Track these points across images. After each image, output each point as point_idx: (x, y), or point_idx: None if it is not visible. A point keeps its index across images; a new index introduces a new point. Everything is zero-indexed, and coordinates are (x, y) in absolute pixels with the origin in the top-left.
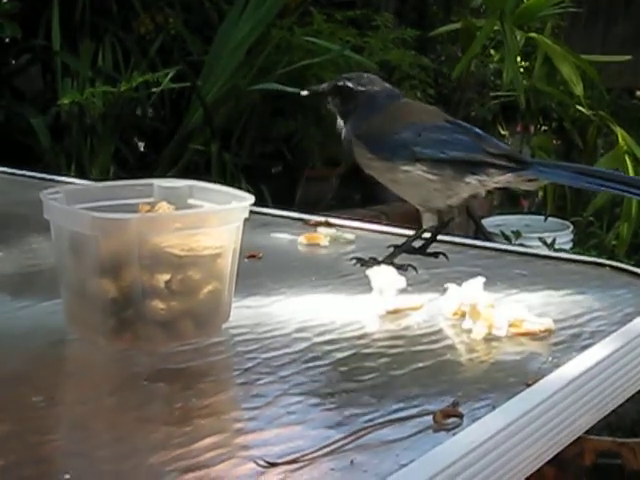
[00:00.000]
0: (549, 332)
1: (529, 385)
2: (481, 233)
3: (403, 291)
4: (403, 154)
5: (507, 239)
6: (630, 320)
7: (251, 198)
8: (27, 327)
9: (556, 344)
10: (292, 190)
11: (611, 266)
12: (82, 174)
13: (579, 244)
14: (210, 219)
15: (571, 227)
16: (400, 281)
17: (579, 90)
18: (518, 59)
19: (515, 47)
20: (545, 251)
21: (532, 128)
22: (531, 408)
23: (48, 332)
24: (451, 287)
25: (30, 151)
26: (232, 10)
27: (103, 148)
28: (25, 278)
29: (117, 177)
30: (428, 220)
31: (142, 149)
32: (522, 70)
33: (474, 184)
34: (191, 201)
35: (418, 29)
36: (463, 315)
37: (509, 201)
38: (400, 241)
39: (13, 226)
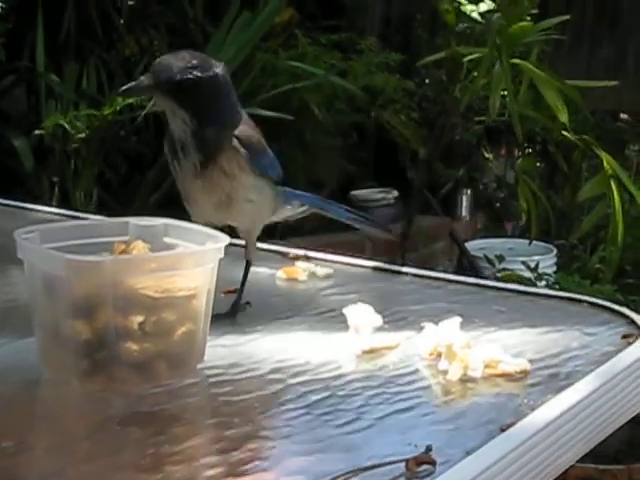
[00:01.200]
0: (525, 373)
1: (504, 430)
2: (465, 257)
3: (380, 329)
4: (273, 173)
5: (490, 263)
6: (607, 359)
7: (226, 239)
8: (0, 366)
9: (532, 385)
10: None
11: (589, 302)
12: (65, 197)
13: (563, 267)
14: (185, 260)
15: (555, 250)
16: (376, 319)
17: (564, 117)
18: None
19: (507, 77)
20: (524, 287)
21: (516, 151)
22: (506, 453)
23: (21, 372)
24: (428, 326)
25: (12, 173)
26: (217, 33)
27: (86, 171)
28: (1, 314)
29: (100, 200)
30: (254, 251)
31: (125, 172)
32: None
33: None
34: (166, 239)
35: (403, 53)
36: (439, 355)
37: (493, 224)
38: (377, 277)
39: None
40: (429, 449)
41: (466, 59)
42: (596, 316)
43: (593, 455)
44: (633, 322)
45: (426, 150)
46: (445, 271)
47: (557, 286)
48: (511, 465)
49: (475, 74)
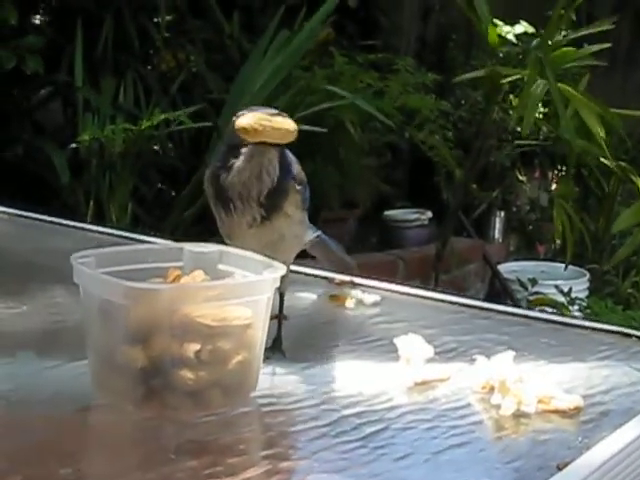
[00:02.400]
0: (578, 410)
1: (560, 469)
2: (497, 279)
3: (430, 360)
4: (307, 207)
5: (523, 286)
6: None
7: (283, 268)
8: (53, 390)
9: (585, 422)
10: None
11: (638, 336)
12: (100, 211)
13: (595, 292)
14: (243, 290)
15: (587, 275)
16: (428, 350)
17: (605, 145)
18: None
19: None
20: (572, 319)
21: (550, 174)
22: None
23: (74, 397)
24: (479, 359)
25: (48, 186)
26: (255, 50)
27: (122, 185)
28: (50, 335)
29: (135, 215)
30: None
31: (160, 187)
32: (541, 116)
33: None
34: (221, 267)
35: (438, 72)
36: (491, 389)
37: (525, 247)
38: (425, 305)
39: (36, 277)
40: None
41: (504, 80)
42: None
43: None
44: None
45: (462, 171)
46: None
47: (589, 311)
48: None
49: (512, 96)
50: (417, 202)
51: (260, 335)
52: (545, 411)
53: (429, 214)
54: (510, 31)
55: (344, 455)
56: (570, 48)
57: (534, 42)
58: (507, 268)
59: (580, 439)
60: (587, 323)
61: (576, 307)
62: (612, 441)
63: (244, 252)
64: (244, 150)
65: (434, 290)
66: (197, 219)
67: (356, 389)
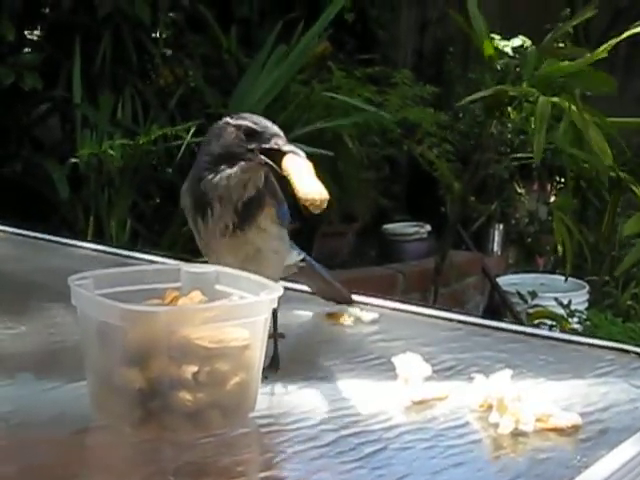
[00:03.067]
0: (576, 428)
1: None
2: (496, 292)
3: (429, 378)
4: (287, 221)
5: (523, 299)
6: None
7: (279, 289)
8: (52, 412)
9: (584, 440)
10: (308, 246)
11: (637, 353)
12: (99, 226)
13: (594, 304)
14: (240, 311)
15: (587, 287)
16: (426, 369)
17: (609, 159)
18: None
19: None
20: (570, 336)
21: (548, 187)
22: None
23: (73, 418)
24: (478, 378)
25: (46, 202)
26: (253, 65)
27: (120, 201)
28: (49, 356)
29: (134, 230)
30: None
31: (159, 202)
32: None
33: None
34: (218, 287)
35: (435, 85)
36: (489, 407)
37: (524, 259)
38: (422, 322)
39: (34, 297)
40: None
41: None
42: None
43: None
44: None
45: (460, 185)
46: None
47: (589, 323)
48: None
49: (509, 109)
50: (416, 215)
51: (258, 356)
52: (543, 429)
53: (428, 227)
54: (507, 44)
55: (343, 476)
56: (568, 63)
57: (529, 51)
58: (506, 281)
59: (579, 458)
60: (585, 340)
61: (576, 319)
62: (611, 459)
63: (240, 272)
64: (242, 163)
65: (432, 307)
66: None
67: (354, 409)
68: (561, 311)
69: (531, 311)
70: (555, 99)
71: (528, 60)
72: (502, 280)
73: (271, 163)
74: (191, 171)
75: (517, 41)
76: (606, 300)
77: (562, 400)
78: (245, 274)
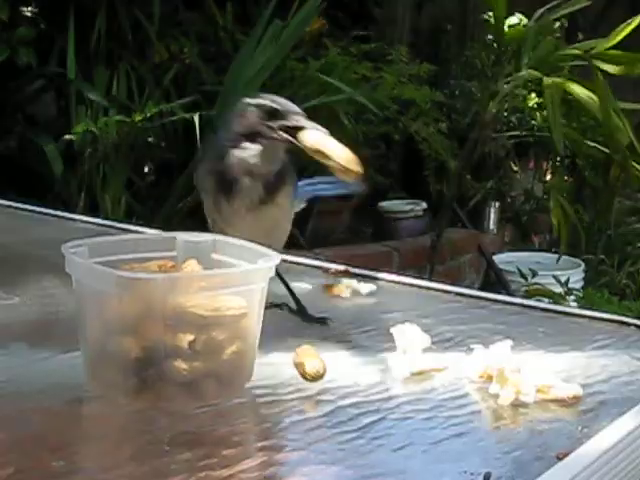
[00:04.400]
0: (577, 399)
1: (560, 459)
2: (492, 270)
3: (427, 350)
4: (297, 201)
5: (523, 277)
6: None
7: (277, 257)
8: (45, 382)
9: (585, 412)
10: (303, 223)
11: (636, 325)
12: (94, 203)
13: (590, 282)
14: (236, 279)
15: (582, 265)
16: (425, 340)
17: (626, 138)
18: (533, 95)
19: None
20: (570, 309)
21: (544, 165)
22: None
23: (67, 388)
24: (477, 349)
25: (41, 178)
26: (248, 41)
27: (115, 177)
28: (43, 326)
29: (129, 206)
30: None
31: (154, 178)
32: (535, 106)
33: None
34: (215, 256)
35: (432, 62)
36: (489, 378)
37: (520, 237)
38: (420, 294)
39: (28, 268)
40: (488, 477)
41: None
42: None
43: None
44: None
45: (456, 163)
46: (473, 286)
47: (584, 301)
48: None
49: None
50: (412, 193)
51: (255, 325)
52: (544, 400)
53: (424, 205)
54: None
55: (341, 446)
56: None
57: (528, 28)
58: (502, 259)
59: (579, 429)
60: (585, 312)
61: (572, 297)
62: (612, 431)
63: (238, 241)
64: (265, 141)
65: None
66: (191, 211)
67: (352, 379)
68: (557, 289)
69: (526, 289)
70: (558, 80)
71: (527, 38)
72: (498, 258)
73: (294, 140)
74: (204, 155)
75: (514, 19)
76: (602, 279)
77: (562, 372)
78: (242, 242)
